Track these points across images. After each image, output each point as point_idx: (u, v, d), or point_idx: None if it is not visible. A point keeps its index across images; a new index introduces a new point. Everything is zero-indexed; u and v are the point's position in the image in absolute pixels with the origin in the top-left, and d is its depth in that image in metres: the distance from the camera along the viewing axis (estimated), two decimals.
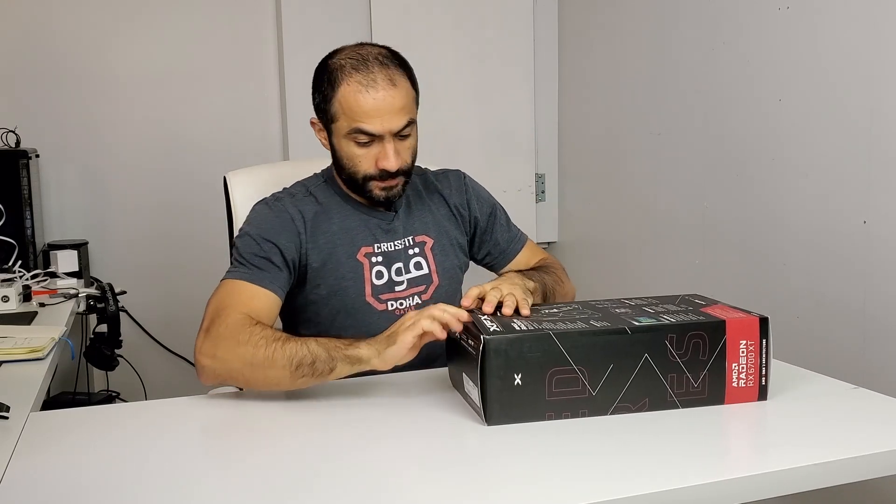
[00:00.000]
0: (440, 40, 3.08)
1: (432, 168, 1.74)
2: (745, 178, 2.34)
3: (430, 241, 1.60)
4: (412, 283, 1.57)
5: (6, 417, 1.24)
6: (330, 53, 1.52)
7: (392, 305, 1.55)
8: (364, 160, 1.48)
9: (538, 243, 3.22)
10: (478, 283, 1.40)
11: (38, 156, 2.71)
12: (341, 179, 1.55)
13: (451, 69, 3.10)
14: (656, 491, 0.98)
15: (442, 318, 1.25)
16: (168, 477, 1.06)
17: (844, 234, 2.03)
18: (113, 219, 2.92)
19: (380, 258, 1.55)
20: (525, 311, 1.29)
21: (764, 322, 1.24)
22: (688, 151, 2.57)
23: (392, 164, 1.47)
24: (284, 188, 1.60)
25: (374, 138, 1.45)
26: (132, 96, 2.90)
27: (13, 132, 2.61)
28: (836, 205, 2.05)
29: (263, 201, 1.55)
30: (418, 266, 1.58)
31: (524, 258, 1.71)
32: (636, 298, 1.40)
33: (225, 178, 1.82)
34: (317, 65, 1.53)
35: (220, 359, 1.29)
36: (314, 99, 1.52)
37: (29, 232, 2.51)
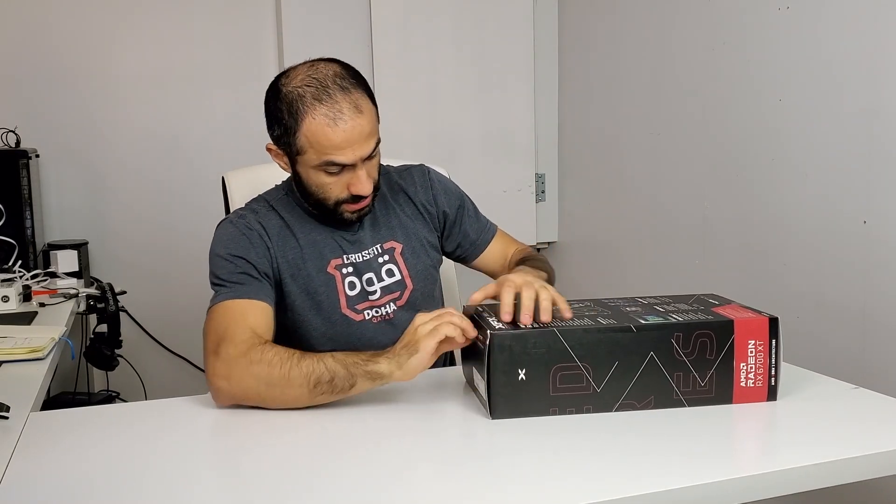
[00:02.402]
0: (440, 40, 3.08)
1: (394, 164, 1.68)
2: (745, 178, 2.34)
3: (399, 247, 1.58)
4: (386, 290, 1.55)
5: (6, 417, 1.24)
6: (280, 78, 1.45)
7: (369, 314, 1.53)
8: (335, 187, 1.45)
9: (538, 243, 3.25)
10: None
11: (38, 156, 2.71)
12: (308, 204, 1.51)
13: (451, 69, 3.10)
14: (657, 491, 0.98)
15: (461, 325, 1.24)
16: (169, 477, 1.06)
17: (844, 234, 2.03)
18: (113, 219, 2.92)
19: (350, 269, 1.53)
20: (568, 315, 1.25)
21: (773, 322, 1.24)
22: (688, 151, 2.57)
23: (366, 188, 1.45)
24: (246, 203, 1.57)
25: (344, 167, 1.42)
26: (132, 96, 2.90)
27: (13, 132, 2.61)
28: (836, 205, 2.05)
29: (227, 220, 1.52)
30: (390, 273, 1.56)
31: (497, 247, 1.68)
32: (650, 297, 1.40)
33: (223, 178, 1.82)
34: (269, 88, 1.46)
35: (235, 379, 1.27)
36: (272, 129, 1.45)
37: (29, 232, 2.50)
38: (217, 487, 1.04)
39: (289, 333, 1.51)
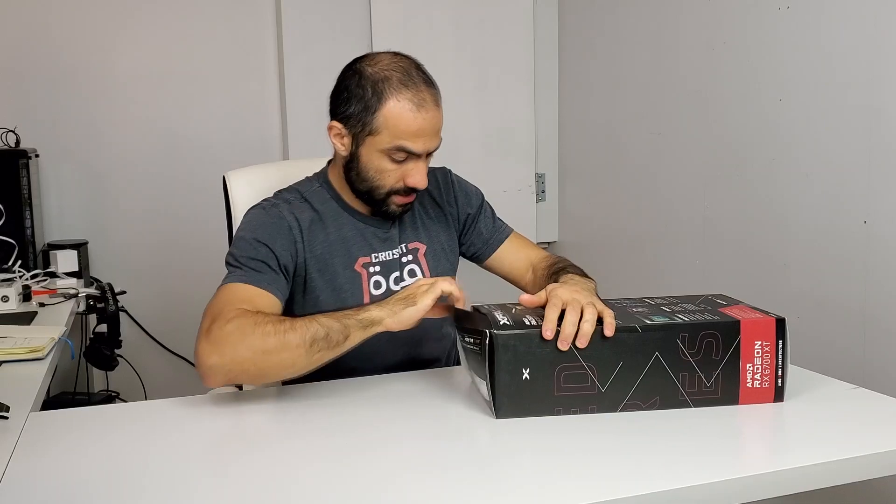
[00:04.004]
0: (440, 40, 3.08)
1: None
2: (745, 178, 2.34)
3: (422, 248, 1.59)
4: None
5: (6, 417, 1.24)
6: (362, 60, 1.47)
7: None
8: (392, 175, 1.46)
9: (538, 243, 3.24)
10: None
11: (38, 156, 2.71)
12: (357, 190, 1.51)
13: (451, 69, 3.10)
14: (661, 491, 0.98)
15: (455, 289, 1.30)
16: (168, 477, 1.06)
17: (844, 234, 2.03)
18: (113, 219, 2.93)
19: (377, 268, 1.53)
20: (609, 333, 1.20)
21: (780, 323, 1.24)
22: (688, 151, 2.57)
23: (424, 182, 1.47)
24: (278, 192, 1.56)
25: (409, 156, 1.44)
26: (132, 96, 2.90)
27: (13, 132, 2.62)
28: (837, 205, 2.05)
29: (259, 206, 1.51)
30: (412, 274, 1.56)
31: (510, 249, 1.67)
32: (658, 297, 1.39)
33: (224, 177, 1.81)
34: (347, 69, 1.48)
35: (228, 354, 1.24)
36: (346, 106, 1.45)
37: (29, 232, 2.51)
38: (218, 488, 1.04)
39: None
